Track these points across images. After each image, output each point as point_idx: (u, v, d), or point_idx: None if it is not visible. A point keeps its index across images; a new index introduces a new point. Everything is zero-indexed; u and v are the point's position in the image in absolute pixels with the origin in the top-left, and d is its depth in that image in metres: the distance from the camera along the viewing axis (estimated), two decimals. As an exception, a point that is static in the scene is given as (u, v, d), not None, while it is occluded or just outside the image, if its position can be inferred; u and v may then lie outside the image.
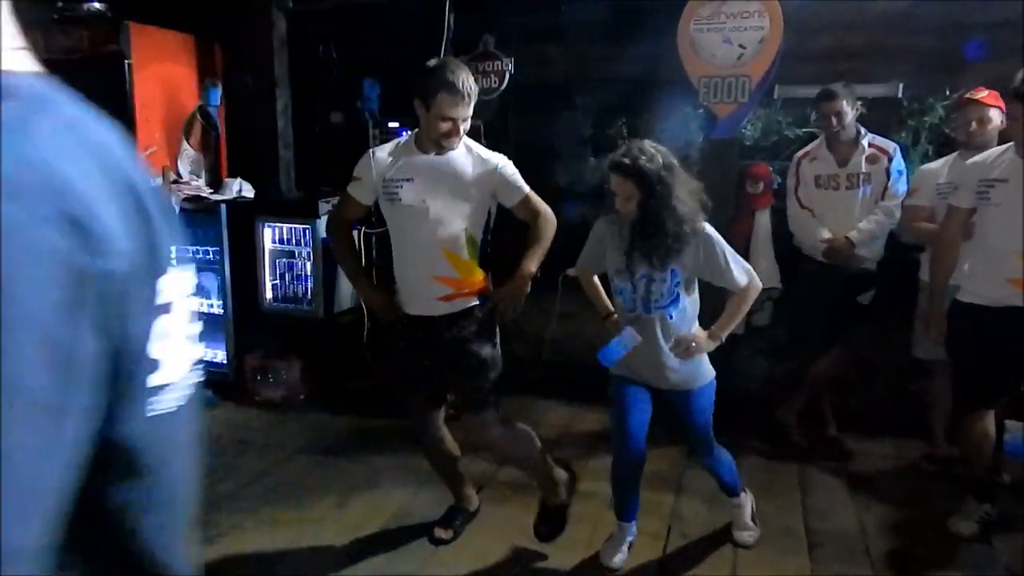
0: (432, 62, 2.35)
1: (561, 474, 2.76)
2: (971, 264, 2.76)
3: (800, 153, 3.51)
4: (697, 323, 2.46)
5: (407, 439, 3.48)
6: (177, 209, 3.98)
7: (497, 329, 2.59)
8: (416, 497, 3.05)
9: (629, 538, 2.67)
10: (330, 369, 4.23)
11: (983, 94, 3.04)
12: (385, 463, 3.35)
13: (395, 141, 2.55)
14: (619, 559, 2.62)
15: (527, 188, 2.50)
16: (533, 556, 2.67)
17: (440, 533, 2.77)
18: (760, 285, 2.43)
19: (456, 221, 2.42)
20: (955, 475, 3.22)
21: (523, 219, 2.53)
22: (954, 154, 3.18)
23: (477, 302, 2.49)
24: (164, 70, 4.22)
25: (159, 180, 3.98)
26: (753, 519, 2.75)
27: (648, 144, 2.32)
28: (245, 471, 3.28)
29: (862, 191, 3.33)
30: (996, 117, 3.04)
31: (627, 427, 2.49)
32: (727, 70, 3.42)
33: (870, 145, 3.34)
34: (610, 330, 2.55)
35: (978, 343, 2.67)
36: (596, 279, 2.64)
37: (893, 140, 3.44)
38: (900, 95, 3.73)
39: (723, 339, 2.43)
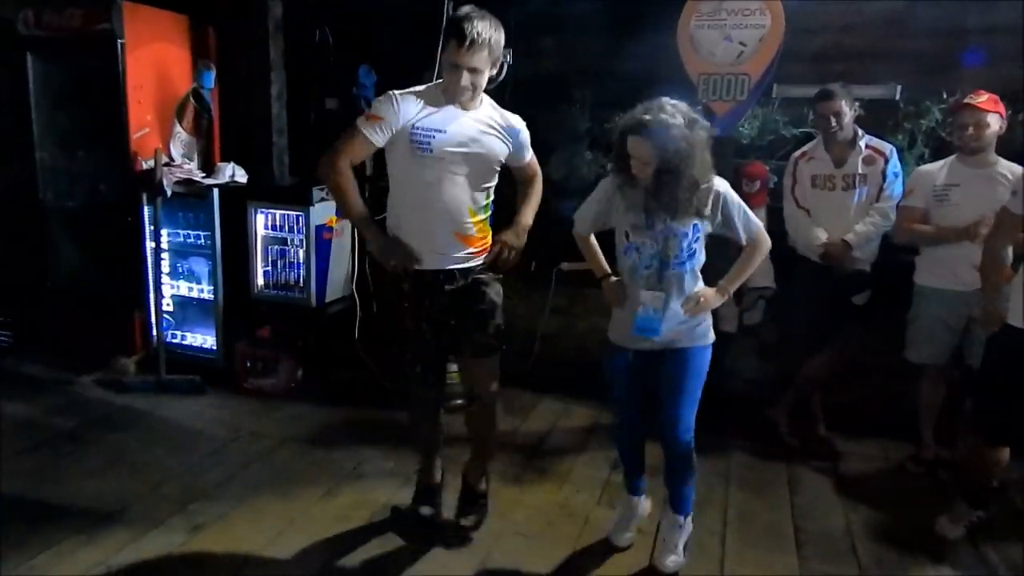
0: (460, 11, 2.28)
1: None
2: None
3: (797, 153, 3.50)
4: (701, 279, 2.45)
5: (395, 432, 3.50)
6: (169, 192, 3.93)
7: (499, 277, 2.57)
8: (403, 489, 3.03)
9: (636, 520, 2.70)
10: (320, 359, 4.20)
11: (982, 99, 3.03)
12: (373, 454, 3.33)
13: (417, 88, 2.38)
14: (628, 538, 2.67)
15: (531, 151, 2.60)
16: (521, 550, 2.67)
17: (424, 511, 2.76)
18: (769, 242, 2.44)
19: (482, 179, 2.43)
20: (940, 478, 3.25)
21: (521, 179, 2.62)
22: (951, 157, 3.19)
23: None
24: (157, 51, 4.15)
25: (151, 162, 3.92)
26: (686, 548, 2.58)
27: (668, 102, 2.25)
28: (232, 460, 3.26)
29: (858, 192, 3.33)
30: (994, 122, 3.04)
31: (625, 396, 2.53)
32: (726, 68, 3.40)
33: (867, 146, 3.34)
34: (607, 292, 2.51)
35: None
36: (594, 239, 2.58)
37: (889, 142, 3.44)
38: (897, 97, 3.73)
39: (731, 293, 2.46)
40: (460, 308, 2.49)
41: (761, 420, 3.65)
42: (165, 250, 4.15)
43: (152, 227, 4.10)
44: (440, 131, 2.32)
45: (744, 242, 2.41)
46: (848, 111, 3.28)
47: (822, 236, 3.34)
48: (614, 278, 2.50)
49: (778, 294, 3.67)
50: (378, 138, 2.32)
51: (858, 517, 2.94)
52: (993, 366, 2.60)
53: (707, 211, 2.33)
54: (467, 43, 2.18)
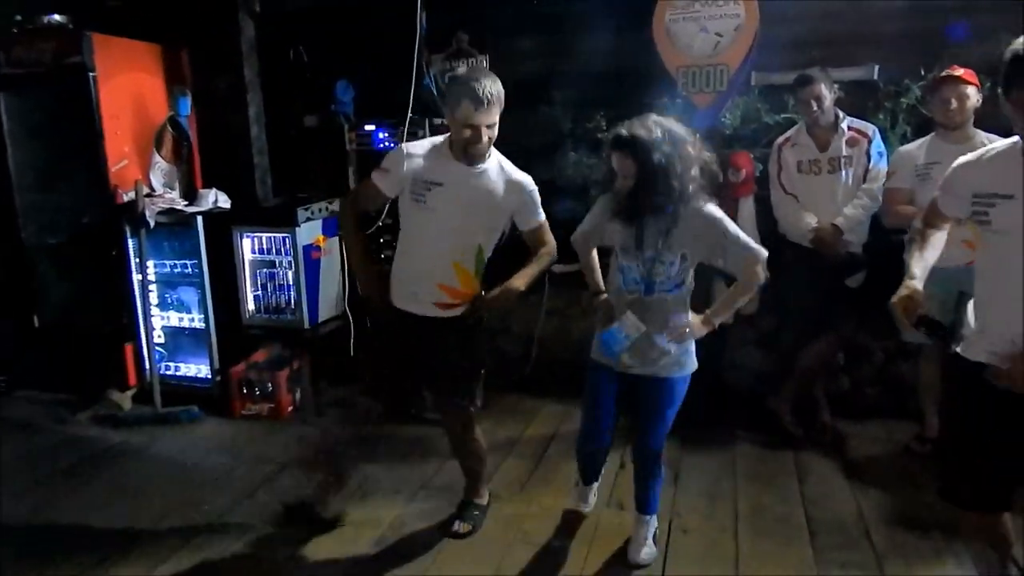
0: (459, 70, 2.39)
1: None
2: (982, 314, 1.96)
3: (781, 139, 3.50)
4: (689, 308, 2.42)
5: (397, 447, 3.47)
6: (152, 223, 3.89)
7: (484, 334, 2.64)
8: (410, 506, 3.01)
9: (592, 494, 2.81)
10: (317, 379, 4.16)
11: (960, 72, 3.04)
12: (377, 471, 3.29)
13: (428, 140, 2.54)
14: (591, 501, 2.81)
15: (543, 216, 2.56)
16: (533, 559, 2.64)
17: (458, 527, 2.78)
18: (764, 276, 2.33)
19: (475, 235, 2.47)
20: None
21: (529, 244, 2.58)
22: (930, 135, 3.19)
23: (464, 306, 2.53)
24: (130, 81, 4.11)
25: (132, 194, 3.87)
26: (654, 539, 2.62)
27: (652, 119, 2.25)
28: (235, 488, 3.21)
29: (844, 175, 3.33)
30: (973, 95, 3.05)
31: (597, 416, 2.55)
32: (704, 60, 3.40)
33: (849, 128, 3.34)
34: (598, 309, 2.52)
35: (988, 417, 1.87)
36: (595, 254, 2.60)
37: (871, 123, 3.44)
38: (876, 77, 3.73)
39: (716, 325, 2.41)
40: (440, 356, 2.54)
41: (763, 411, 3.63)
42: (152, 281, 4.11)
43: (138, 259, 4.06)
44: (438, 184, 2.40)
45: (732, 272, 2.39)
46: (828, 94, 3.28)
47: (812, 221, 3.34)
48: (604, 296, 2.52)
49: (772, 282, 3.65)
50: (388, 188, 2.49)
51: (869, 502, 2.93)
52: (952, 411, 2.10)
53: (695, 240, 2.29)
54: (484, 104, 2.27)
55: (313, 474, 3.31)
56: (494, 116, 2.33)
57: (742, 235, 2.31)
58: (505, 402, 4.02)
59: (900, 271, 3.27)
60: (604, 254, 2.60)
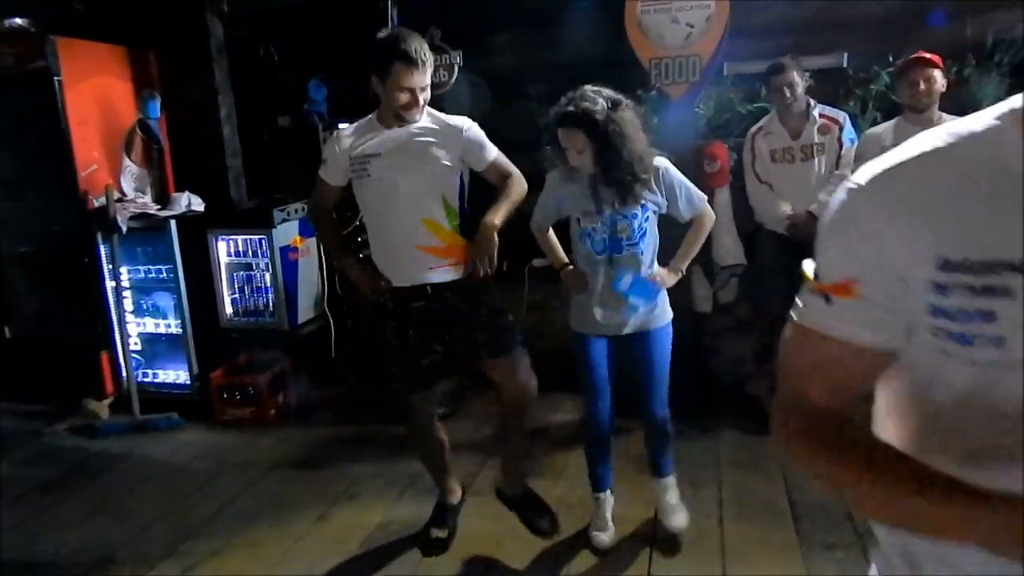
0: (382, 33, 2.33)
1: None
2: None
3: (754, 129, 3.53)
4: (656, 260, 2.49)
5: (383, 446, 3.46)
6: (124, 228, 3.83)
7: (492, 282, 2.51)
8: (397, 505, 3.01)
9: (609, 511, 2.71)
10: (298, 381, 4.13)
11: (927, 55, 3.09)
12: (363, 472, 3.29)
13: (357, 122, 2.49)
14: (606, 538, 2.66)
15: (495, 151, 2.50)
16: (526, 551, 2.65)
17: (436, 532, 2.71)
18: (713, 215, 2.52)
19: (430, 190, 2.40)
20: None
21: (493, 182, 2.51)
22: (896, 119, 3.24)
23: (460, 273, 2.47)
24: (97, 84, 4.03)
25: (103, 199, 3.81)
26: (680, 500, 2.68)
27: (589, 89, 2.29)
28: (220, 493, 3.19)
29: (817, 161, 3.37)
30: (939, 77, 3.10)
31: (595, 382, 2.56)
32: (676, 51, 3.41)
33: (821, 116, 3.38)
34: (567, 281, 2.53)
35: None
36: (551, 232, 2.62)
37: (842, 110, 3.49)
38: (845, 65, 3.78)
39: (683, 272, 2.51)
40: (464, 321, 2.44)
41: (744, 397, 3.67)
42: (127, 288, 4.05)
43: (110, 265, 4.00)
44: (376, 155, 2.38)
45: (687, 217, 2.46)
46: (800, 82, 3.32)
47: (787, 209, 3.38)
48: (572, 267, 2.54)
49: (749, 270, 3.70)
50: (332, 177, 2.49)
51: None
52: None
53: (651, 188, 2.37)
54: (417, 64, 2.23)
55: (299, 477, 3.31)
56: (427, 77, 2.29)
57: (689, 185, 2.44)
58: (487, 398, 4.01)
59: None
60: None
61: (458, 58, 4.23)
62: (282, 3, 4.26)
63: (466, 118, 2.49)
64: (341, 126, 2.49)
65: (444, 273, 2.43)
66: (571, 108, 2.24)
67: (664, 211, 2.44)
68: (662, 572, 2.53)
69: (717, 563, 2.54)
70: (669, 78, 3.44)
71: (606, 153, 2.24)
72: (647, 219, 2.40)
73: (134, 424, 3.88)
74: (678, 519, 2.64)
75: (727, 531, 2.71)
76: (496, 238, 2.38)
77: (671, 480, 2.68)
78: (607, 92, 2.29)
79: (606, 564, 2.59)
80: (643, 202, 2.37)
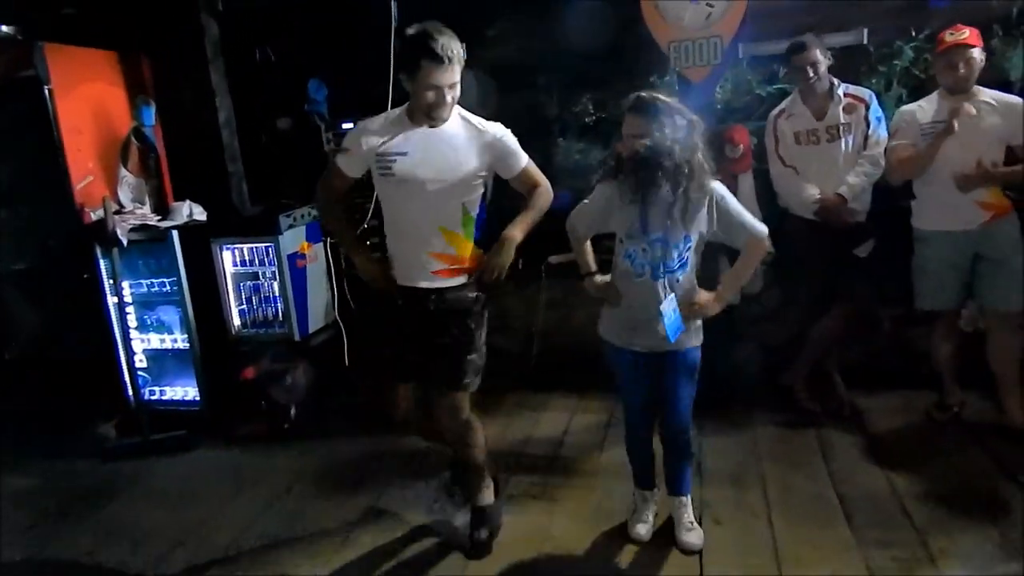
0: (412, 29, 2.22)
1: (490, 478, 2.76)
2: None
3: (775, 111, 3.40)
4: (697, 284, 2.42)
5: (406, 458, 3.32)
6: (124, 241, 3.67)
7: (486, 316, 2.50)
8: (427, 519, 2.86)
9: (652, 507, 2.67)
10: (313, 392, 3.98)
11: (964, 35, 2.94)
12: (388, 483, 3.15)
13: (385, 113, 2.41)
14: (644, 530, 2.61)
15: (526, 158, 2.42)
16: (566, 565, 2.52)
17: (479, 535, 2.62)
18: (767, 244, 2.36)
19: (452, 196, 2.33)
20: (966, 420, 3.20)
21: (521, 191, 2.45)
22: (933, 94, 3.11)
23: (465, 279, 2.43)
24: (89, 92, 3.87)
25: (101, 212, 3.65)
26: (699, 519, 2.63)
27: (664, 94, 2.27)
28: (240, 516, 3.03)
29: (844, 142, 3.24)
30: (979, 55, 2.97)
31: (632, 394, 2.52)
32: (697, 32, 3.28)
33: (846, 95, 3.25)
34: (598, 290, 2.47)
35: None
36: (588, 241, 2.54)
37: (866, 87, 3.36)
38: (866, 41, 3.66)
39: (727, 301, 2.43)
40: (435, 332, 2.42)
41: (777, 388, 3.56)
42: (129, 303, 3.88)
43: (111, 280, 3.83)
44: (402, 154, 2.30)
45: (738, 243, 2.34)
46: (824, 60, 3.19)
47: (815, 192, 3.25)
48: (599, 277, 2.48)
49: (777, 258, 3.57)
50: (351, 169, 2.41)
51: (898, 476, 2.86)
52: None
53: (702, 220, 2.28)
54: (444, 62, 2.15)
55: (320, 494, 3.17)
56: (456, 75, 2.20)
57: (745, 212, 2.32)
58: (511, 400, 3.89)
59: (908, 237, 3.25)
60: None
61: (463, 49, 4.08)
62: (277, 1, 4.11)
63: (499, 124, 2.41)
64: (364, 121, 2.39)
65: (450, 280, 2.39)
66: (645, 94, 2.21)
67: (714, 239, 2.35)
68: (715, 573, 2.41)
69: (772, 565, 2.42)
70: (689, 61, 3.31)
71: (667, 156, 2.16)
72: (689, 248, 2.32)
73: (144, 444, 3.72)
74: (693, 538, 2.55)
75: (778, 531, 2.59)
76: (513, 251, 2.34)
77: (685, 499, 2.60)
78: (683, 107, 2.24)
79: (655, 563, 2.48)
80: (688, 233, 2.29)
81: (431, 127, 2.30)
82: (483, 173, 2.36)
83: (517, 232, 2.36)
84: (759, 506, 2.75)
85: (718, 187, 2.29)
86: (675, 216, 2.24)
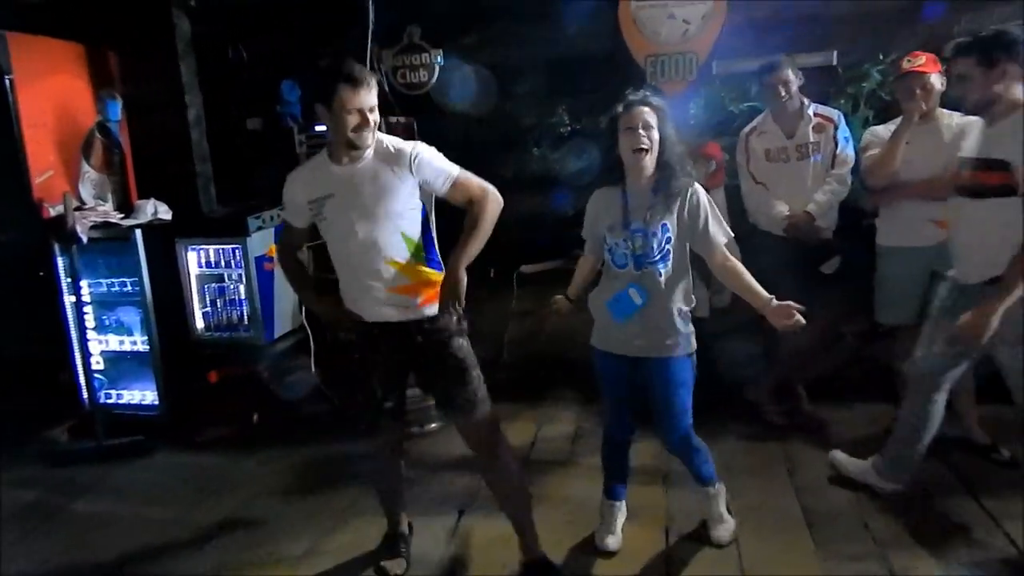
0: (321, 62, 2.27)
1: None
2: None
3: (747, 128, 3.46)
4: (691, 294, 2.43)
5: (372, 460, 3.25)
6: (85, 239, 3.56)
7: (464, 324, 2.42)
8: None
9: (620, 518, 2.67)
10: (278, 397, 3.90)
11: (920, 61, 3.03)
12: (357, 489, 3.08)
13: (308, 161, 2.44)
14: (613, 541, 2.61)
15: (455, 170, 2.31)
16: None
17: (392, 567, 2.55)
18: (733, 262, 2.42)
19: (386, 230, 2.25)
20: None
21: (458, 204, 2.33)
22: (899, 118, 3.19)
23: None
24: (53, 84, 3.76)
25: (61, 207, 3.53)
26: (728, 510, 2.65)
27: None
28: (204, 522, 2.95)
29: (812, 161, 3.31)
30: (937, 81, 3.05)
31: (609, 403, 2.54)
32: (673, 47, 3.32)
33: (815, 114, 3.32)
34: (556, 307, 2.57)
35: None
36: (588, 264, 2.60)
37: (834, 108, 3.44)
38: (835, 63, 3.75)
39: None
40: (431, 368, 2.37)
41: (745, 403, 3.59)
42: (87, 303, 3.76)
43: (69, 279, 3.71)
44: (329, 196, 2.27)
45: (704, 249, 2.38)
46: (795, 80, 3.26)
47: (784, 209, 3.31)
48: (563, 304, 2.57)
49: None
50: (295, 219, 2.41)
51: (861, 489, 2.89)
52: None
53: (676, 212, 2.34)
54: (361, 84, 2.15)
55: (287, 500, 3.10)
56: (374, 99, 2.19)
57: (713, 222, 2.37)
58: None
59: (872, 254, 3.33)
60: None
61: (439, 57, 4.08)
62: (252, -1, 4.05)
63: (415, 141, 2.33)
64: (295, 172, 2.40)
65: (417, 311, 2.31)
66: (639, 93, 2.35)
67: (685, 237, 2.37)
68: (682, 589, 2.41)
69: (737, 579, 2.43)
70: (666, 76, 3.35)
71: (665, 148, 2.31)
72: (668, 239, 2.34)
73: (99, 450, 3.60)
74: (720, 531, 2.59)
75: (744, 546, 2.60)
76: (463, 280, 2.20)
77: (712, 490, 2.61)
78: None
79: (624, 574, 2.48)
80: (665, 220, 2.33)
81: (352, 161, 2.25)
82: (414, 195, 2.28)
83: (458, 264, 2.20)
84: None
85: (700, 190, 2.37)
86: (655, 205, 2.31)
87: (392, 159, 2.25)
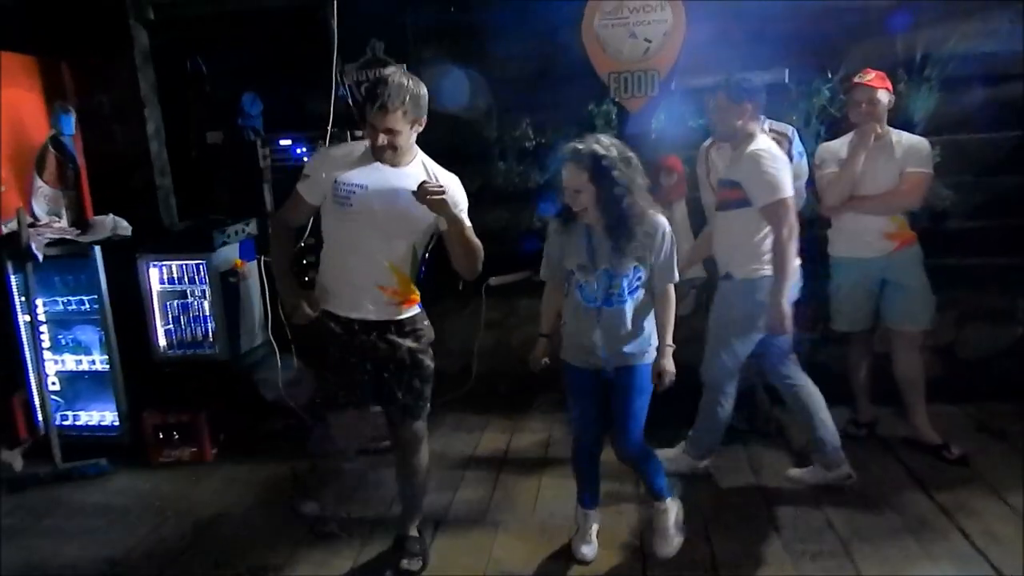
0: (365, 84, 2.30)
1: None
2: None
3: (707, 142, 3.56)
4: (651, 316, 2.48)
5: (344, 482, 3.23)
6: (40, 256, 3.45)
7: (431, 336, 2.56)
8: (367, 548, 2.80)
9: (595, 526, 2.71)
10: (242, 414, 3.84)
11: (869, 77, 3.21)
12: (324, 511, 3.05)
13: (349, 144, 2.50)
14: (588, 550, 2.65)
15: (467, 221, 2.43)
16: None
17: (410, 564, 2.60)
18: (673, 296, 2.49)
19: (405, 237, 2.39)
20: (880, 436, 3.42)
21: (448, 245, 2.44)
22: (850, 133, 3.35)
23: (418, 310, 2.50)
24: (4, 97, 3.62)
25: (14, 224, 3.42)
26: (677, 526, 2.65)
27: (605, 137, 2.36)
28: (166, 545, 2.89)
29: (768, 174, 3.42)
30: (883, 97, 3.22)
31: (585, 409, 2.56)
32: (635, 64, 3.42)
33: (770, 130, 3.44)
34: (537, 348, 2.59)
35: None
36: (555, 298, 2.61)
37: (787, 123, 3.58)
38: (787, 80, 3.90)
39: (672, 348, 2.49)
40: (393, 366, 2.45)
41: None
42: (43, 322, 3.65)
43: (23, 297, 3.59)
44: (361, 186, 2.33)
45: (657, 289, 2.44)
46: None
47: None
48: (544, 346, 2.59)
49: (707, 282, 3.72)
50: (312, 195, 2.40)
51: (821, 489, 3.01)
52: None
53: (650, 252, 2.38)
54: (378, 106, 2.21)
55: (251, 521, 3.05)
56: (395, 123, 2.24)
57: (674, 261, 2.44)
58: (448, 421, 3.88)
59: (825, 264, 3.47)
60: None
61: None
62: (212, 10, 3.99)
63: (455, 178, 2.46)
64: (327, 147, 2.52)
65: (391, 311, 2.43)
66: (581, 146, 2.29)
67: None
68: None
69: (711, 581, 2.51)
70: (628, 92, 3.44)
71: (608, 203, 2.28)
72: (639, 279, 2.41)
73: (56, 473, 3.48)
74: (665, 546, 2.61)
75: (717, 545, 2.69)
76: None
77: (663, 504, 2.64)
78: (620, 145, 2.34)
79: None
80: (636, 264, 2.38)
81: (395, 165, 2.34)
82: (432, 219, 2.37)
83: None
84: (698, 523, 2.82)
85: (663, 221, 2.40)
86: (622, 250, 2.33)
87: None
